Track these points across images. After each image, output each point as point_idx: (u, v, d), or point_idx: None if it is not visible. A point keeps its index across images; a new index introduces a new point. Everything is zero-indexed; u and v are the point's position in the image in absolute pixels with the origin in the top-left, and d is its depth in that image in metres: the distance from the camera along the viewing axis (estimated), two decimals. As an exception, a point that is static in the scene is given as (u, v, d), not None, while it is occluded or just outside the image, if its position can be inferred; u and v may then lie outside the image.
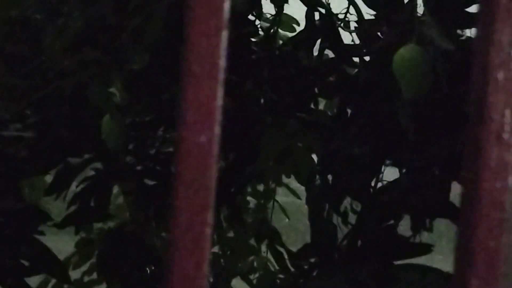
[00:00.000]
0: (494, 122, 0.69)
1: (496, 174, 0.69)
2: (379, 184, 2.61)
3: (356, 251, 2.56)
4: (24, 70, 2.58)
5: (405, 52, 2.04)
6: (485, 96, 0.69)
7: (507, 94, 0.68)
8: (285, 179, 3.25)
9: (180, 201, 0.66)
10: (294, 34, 2.95)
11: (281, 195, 3.69)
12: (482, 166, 0.69)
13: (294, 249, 2.77)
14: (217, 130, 0.67)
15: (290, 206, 3.81)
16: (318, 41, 2.68)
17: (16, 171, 2.39)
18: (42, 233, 2.36)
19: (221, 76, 0.67)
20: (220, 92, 0.67)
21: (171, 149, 2.87)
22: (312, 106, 2.73)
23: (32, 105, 2.52)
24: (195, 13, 0.68)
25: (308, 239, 2.87)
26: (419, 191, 2.54)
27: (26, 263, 2.35)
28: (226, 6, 0.67)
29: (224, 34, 0.67)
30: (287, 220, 3.69)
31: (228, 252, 3.11)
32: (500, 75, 0.68)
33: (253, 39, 2.73)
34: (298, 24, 3.04)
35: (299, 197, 3.48)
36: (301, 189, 3.73)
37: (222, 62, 0.67)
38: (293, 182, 3.51)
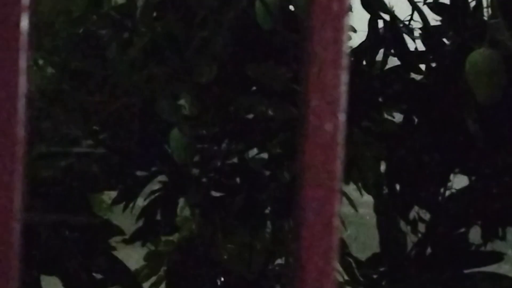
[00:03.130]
0: None
1: None
2: (448, 192, 2.59)
3: (426, 260, 2.54)
4: (90, 86, 2.62)
5: (478, 56, 2.03)
6: None
7: None
8: (345, 189, 3.23)
9: (307, 191, 0.66)
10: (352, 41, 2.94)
11: (343, 206, 3.67)
12: None
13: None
14: (342, 117, 0.67)
15: (352, 217, 3.79)
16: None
17: (87, 186, 2.42)
18: (113, 248, 2.38)
19: (345, 61, 0.67)
20: (344, 78, 0.68)
21: (235, 161, 2.88)
22: (376, 115, 2.72)
23: (102, 121, 2.55)
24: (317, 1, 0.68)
25: (369, 250, 2.85)
26: (490, 199, 2.52)
27: (99, 277, 2.37)
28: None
29: (347, 20, 0.67)
30: (348, 231, 3.68)
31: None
32: None
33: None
34: (355, 31, 3.04)
35: (355, 208, 3.47)
36: (361, 200, 3.71)
37: (346, 48, 0.67)
38: (353, 193, 3.50)
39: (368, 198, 3.18)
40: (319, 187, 0.66)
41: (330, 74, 0.67)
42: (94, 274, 2.37)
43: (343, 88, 0.68)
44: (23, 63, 0.63)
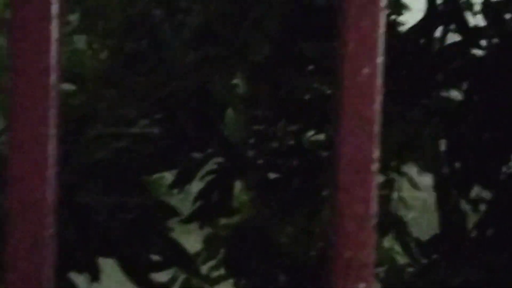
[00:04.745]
0: None
1: None
2: (510, 171, 2.52)
3: (486, 240, 2.48)
4: (144, 67, 2.61)
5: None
6: None
7: None
8: (408, 172, 3.18)
9: (343, 137, 0.63)
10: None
11: (404, 189, 3.61)
12: None
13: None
14: (379, 61, 0.64)
15: (413, 201, 3.72)
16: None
17: (143, 168, 2.41)
18: (171, 229, 2.37)
19: (383, 4, 0.64)
20: (382, 21, 0.65)
21: (292, 142, 2.85)
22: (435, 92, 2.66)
23: (157, 102, 2.54)
24: None
25: (430, 234, 2.79)
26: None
27: (156, 259, 2.36)
28: None
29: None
30: (410, 215, 3.61)
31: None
32: None
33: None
34: (408, 9, 2.98)
35: (418, 187, 3.42)
36: (423, 183, 3.65)
37: (383, -10, 0.64)
38: (416, 176, 3.44)
39: (430, 182, 3.12)
40: (355, 134, 0.63)
41: (368, 17, 0.64)
42: (151, 256, 2.36)
43: (381, 32, 0.65)
44: (55, 33, 0.61)
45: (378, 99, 0.64)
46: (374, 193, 0.64)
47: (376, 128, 0.64)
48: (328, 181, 0.61)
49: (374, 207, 0.64)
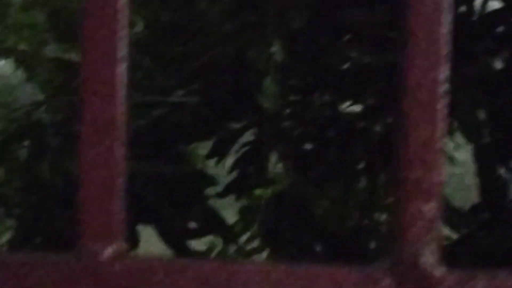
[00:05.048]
0: None
1: None
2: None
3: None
4: (181, 37, 2.60)
5: None
6: None
7: None
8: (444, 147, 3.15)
9: (411, 58, 0.62)
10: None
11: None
12: None
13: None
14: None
15: (450, 177, 3.70)
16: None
17: (180, 137, 2.41)
18: (207, 197, 2.37)
19: None
20: None
21: (328, 113, 2.83)
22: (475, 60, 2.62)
23: (194, 71, 2.53)
24: None
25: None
26: None
27: (193, 227, 2.36)
28: None
29: None
30: (445, 190, 3.59)
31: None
32: None
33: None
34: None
35: (455, 164, 3.40)
36: (459, 159, 3.62)
37: None
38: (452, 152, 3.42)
39: (466, 157, 3.08)
40: (422, 55, 0.61)
41: None
42: (189, 224, 2.36)
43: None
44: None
45: (447, 24, 0.62)
46: (442, 115, 0.62)
47: (445, 48, 0.62)
48: (394, 107, 0.59)
49: (440, 129, 0.62)
